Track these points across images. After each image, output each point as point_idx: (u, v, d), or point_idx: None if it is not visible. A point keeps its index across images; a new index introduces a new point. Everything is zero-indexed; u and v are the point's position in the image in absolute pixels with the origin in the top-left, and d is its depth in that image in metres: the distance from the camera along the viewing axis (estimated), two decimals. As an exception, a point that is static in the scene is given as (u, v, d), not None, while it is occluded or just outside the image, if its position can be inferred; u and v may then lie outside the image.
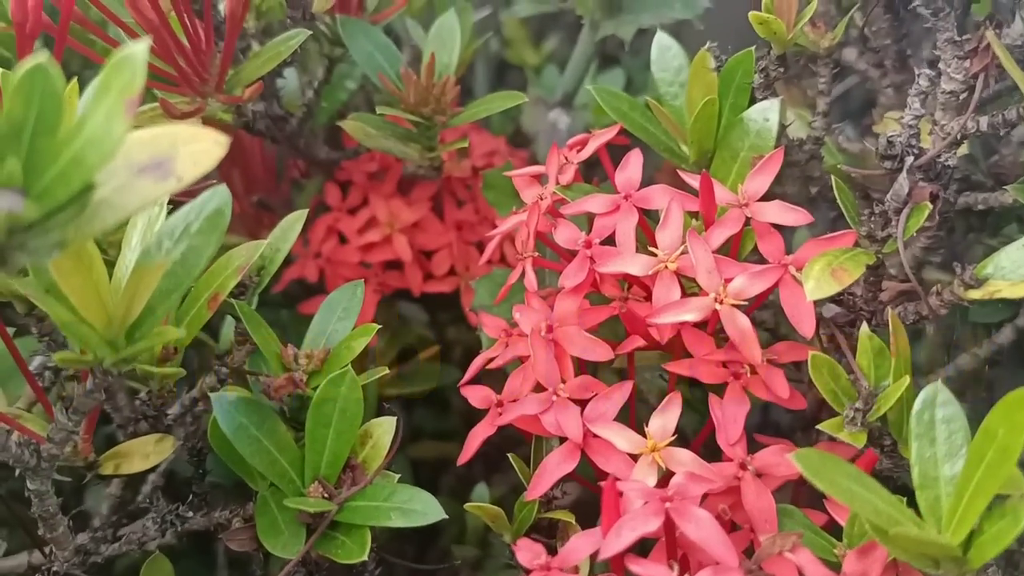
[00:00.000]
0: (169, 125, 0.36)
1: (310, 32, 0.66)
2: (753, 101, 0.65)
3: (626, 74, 1.11)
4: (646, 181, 0.61)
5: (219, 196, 0.43)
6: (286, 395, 0.56)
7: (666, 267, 0.55)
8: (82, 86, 0.59)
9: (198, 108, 0.64)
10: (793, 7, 0.59)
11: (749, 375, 0.56)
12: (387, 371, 0.59)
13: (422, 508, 0.52)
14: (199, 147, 0.36)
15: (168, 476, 0.71)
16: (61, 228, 0.34)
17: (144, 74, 0.33)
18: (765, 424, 0.88)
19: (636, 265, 0.56)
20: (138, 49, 0.33)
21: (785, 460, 0.53)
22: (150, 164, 0.36)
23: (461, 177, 0.87)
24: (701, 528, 0.46)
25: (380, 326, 0.59)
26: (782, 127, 0.63)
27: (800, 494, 0.59)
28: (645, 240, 0.59)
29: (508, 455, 0.59)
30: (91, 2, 0.61)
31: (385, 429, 0.56)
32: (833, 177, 0.56)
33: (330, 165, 0.87)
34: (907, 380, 0.51)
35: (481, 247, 0.85)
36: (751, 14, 0.61)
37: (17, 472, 0.51)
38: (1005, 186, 0.63)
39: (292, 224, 0.61)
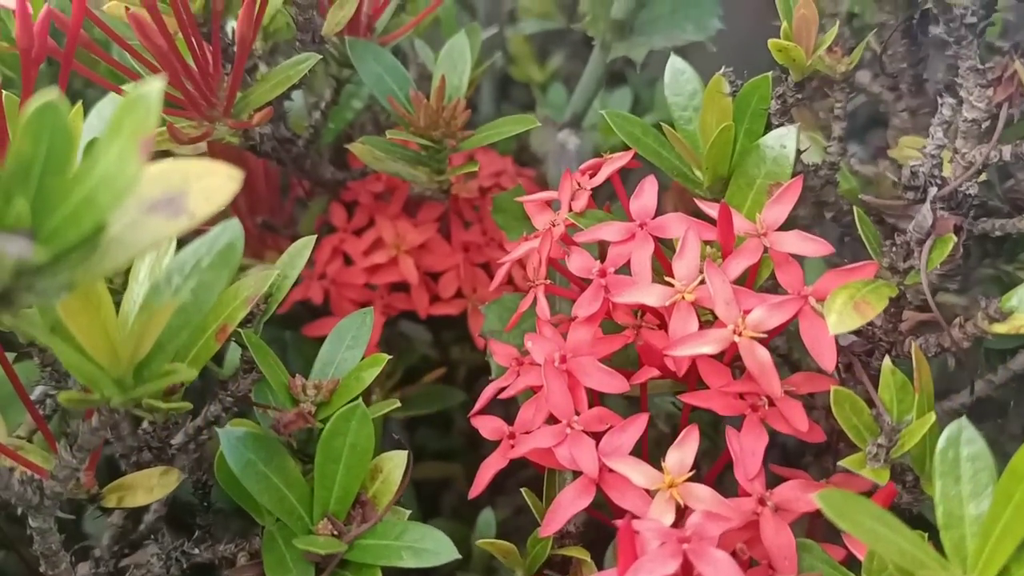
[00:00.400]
0: (180, 160, 0.35)
1: (320, 56, 0.65)
2: (768, 126, 0.64)
3: (632, 91, 1.10)
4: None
5: (231, 230, 0.42)
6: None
7: (683, 298, 0.54)
8: (86, 107, 0.58)
9: (205, 133, 0.63)
10: (812, 33, 0.58)
11: (767, 407, 0.55)
12: (398, 404, 0.57)
13: (434, 547, 0.50)
14: (211, 182, 0.35)
15: (171, 502, 0.70)
16: (70, 269, 0.33)
17: (159, 114, 0.32)
18: (772, 444, 0.87)
19: (653, 296, 0.55)
20: (152, 88, 0.32)
21: (804, 496, 0.52)
22: (161, 200, 0.34)
23: (468, 198, 0.85)
24: (719, 570, 0.45)
25: (390, 356, 0.58)
26: (797, 152, 0.62)
27: (816, 527, 0.57)
28: (660, 269, 0.58)
29: (521, 489, 0.57)
30: (96, 24, 0.60)
31: (396, 463, 0.54)
32: (856, 209, 0.54)
33: (336, 185, 0.86)
34: (932, 417, 0.49)
35: (488, 268, 0.84)
36: (771, 42, 0.59)
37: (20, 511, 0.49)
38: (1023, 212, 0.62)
39: (300, 250, 0.60)
